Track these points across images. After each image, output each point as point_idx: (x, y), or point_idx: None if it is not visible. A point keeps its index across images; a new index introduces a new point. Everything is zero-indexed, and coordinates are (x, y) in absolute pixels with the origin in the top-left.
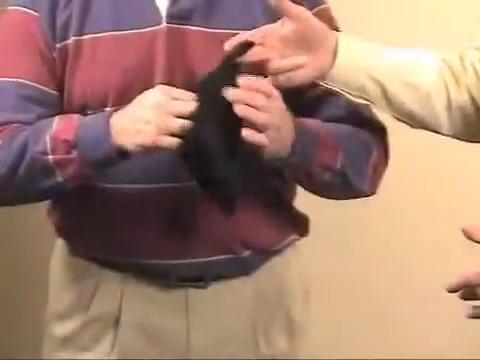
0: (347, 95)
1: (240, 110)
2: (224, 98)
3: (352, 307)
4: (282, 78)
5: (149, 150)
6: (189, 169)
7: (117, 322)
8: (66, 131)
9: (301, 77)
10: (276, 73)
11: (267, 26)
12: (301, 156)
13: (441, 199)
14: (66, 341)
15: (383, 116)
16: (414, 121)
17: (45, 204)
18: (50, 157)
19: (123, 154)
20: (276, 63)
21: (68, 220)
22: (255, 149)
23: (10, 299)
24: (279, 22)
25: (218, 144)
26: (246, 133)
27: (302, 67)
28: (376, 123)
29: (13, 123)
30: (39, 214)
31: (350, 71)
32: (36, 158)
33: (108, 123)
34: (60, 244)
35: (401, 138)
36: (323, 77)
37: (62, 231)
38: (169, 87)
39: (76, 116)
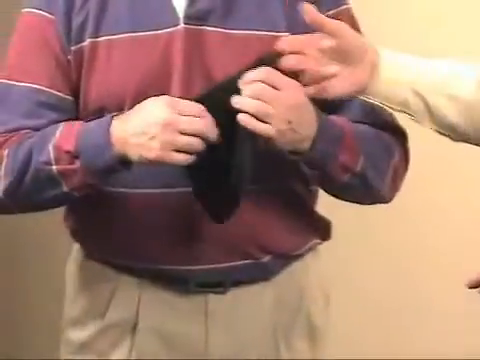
0: (388, 109)
1: (237, 103)
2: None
3: (371, 311)
4: (315, 89)
5: (153, 164)
6: (188, 177)
7: (134, 328)
8: (67, 141)
9: (337, 90)
10: (309, 83)
11: (308, 36)
12: (321, 153)
13: (460, 204)
14: (83, 346)
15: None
16: (456, 134)
17: (61, 209)
18: (54, 167)
19: (126, 162)
20: (309, 70)
21: (84, 225)
22: (264, 142)
23: (26, 303)
24: (320, 34)
25: (222, 159)
26: (242, 118)
27: (336, 77)
28: (397, 127)
29: (23, 129)
30: (55, 218)
31: (393, 85)
32: (40, 168)
33: (108, 131)
34: (76, 249)
35: (420, 144)
36: (362, 91)
37: (78, 236)
38: (175, 100)
39: (78, 124)
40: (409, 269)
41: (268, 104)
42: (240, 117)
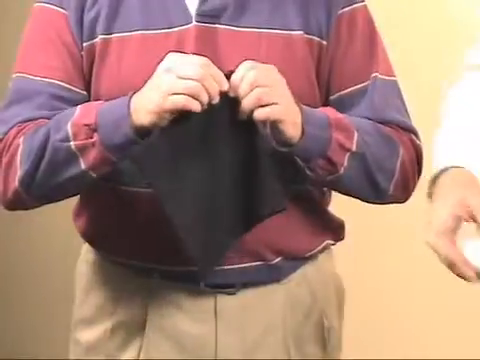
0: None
1: (244, 107)
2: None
3: (385, 312)
4: None
5: (161, 117)
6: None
7: (144, 328)
8: (87, 116)
9: None
10: None
11: None
12: (314, 137)
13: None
14: (92, 347)
15: None
16: None
17: (71, 208)
18: (72, 143)
19: (144, 135)
20: None
21: (94, 224)
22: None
23: (26, 303)
24: None
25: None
26: (257, 115)
27: None
28: (405, 125)
29: (38, 119)
30: (66, 218)
31: None
32: (58, 147)
33: (129, 103)
34: (86, 249)
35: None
36: None
37: (88, 235)
38: (179, 53)
39: (99, 102)
40: (422, 270)
41: (267, 87)
42: (256, 114)
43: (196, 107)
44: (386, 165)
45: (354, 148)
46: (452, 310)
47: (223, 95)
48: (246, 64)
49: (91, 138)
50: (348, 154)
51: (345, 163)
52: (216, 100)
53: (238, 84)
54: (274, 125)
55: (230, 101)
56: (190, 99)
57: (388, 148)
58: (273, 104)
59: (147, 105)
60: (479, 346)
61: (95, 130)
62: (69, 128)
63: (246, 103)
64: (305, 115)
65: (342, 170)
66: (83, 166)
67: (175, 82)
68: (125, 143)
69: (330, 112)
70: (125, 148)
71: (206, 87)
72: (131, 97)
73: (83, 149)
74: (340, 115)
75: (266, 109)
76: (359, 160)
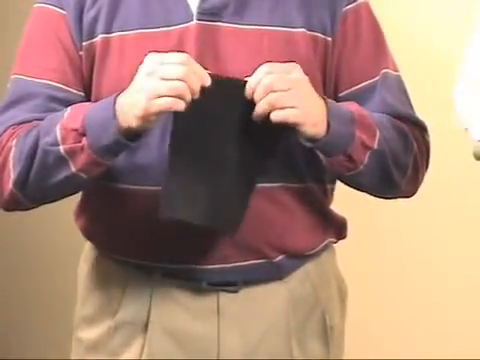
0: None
1: (259, 110)
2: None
3: (386, 311)
4: None
5: (147, 121)
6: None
7: (146, 327)
8: (74, 120)
9: None
10: None
11: None
12: (339, 134)
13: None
14: (95, 345)
15: None
16: None
17: (73, 206)
18: (61, 147)
19: (132, 136)
20: None
21: (95, 223)
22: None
23: (26, 303)
24: None
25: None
26: (273, 118)
27: None
28: (417, 120)
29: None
30: (67, 217)
31: None
32: (47, 150)
33: (113, 106)
34: (88, 248)
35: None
36: None
37: (89, 234)
38: (160, 53)
39: (86, 104)
40: (424, 269)
41: (283, 91)
42: (272, 117)
43: (181, 107)
44: (402, 161)
45: (376, 146)
46: (452, 310)
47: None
48: (264, 68)
49: (79, 142)
50: (369, 152)
51: (365, 161)
52: (197, 96)
53: (254, 88)
54: (293, 126)
55: (248, 104)
56: (176, 100)
57: (403, 144)
58: (290, 107)
59: (133, 110)
60: (479, 346)
61: (83, 134)
62: (58, 132)
63: (258, 108)
64: (331, 111)
65: (361, 167)
66: (73, 169)
67: (159, 85)
68: (113, 145)
69: (355, 108)
70: (113, 150)
71: (189, 84)
72: (115, 99)
73: (72, 153)
74: (364, 112)
75: (282, 112)
76: (379, 158)
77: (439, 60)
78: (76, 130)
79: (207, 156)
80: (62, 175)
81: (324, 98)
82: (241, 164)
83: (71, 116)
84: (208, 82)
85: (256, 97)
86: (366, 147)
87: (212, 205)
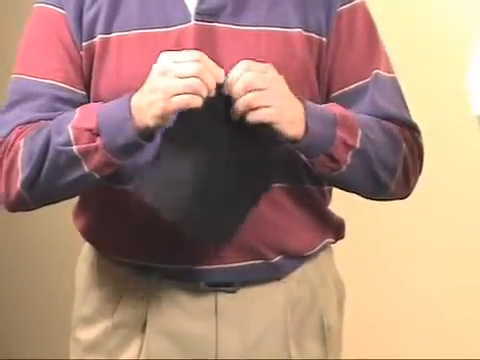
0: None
1: (237, 108)
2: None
3: (385, 311)
4: None
5: (165, 119)
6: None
7: (144, 327)
8: (87, 120)
9: None
10: None
11: None
12: (319, 135)
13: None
14: (93, 346)
15: None
16: None
17: (71, 207)
18: (74, 147)
19: (148, 135)
20: None
21: (93, 223)
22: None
23: (26, 303)
24: None
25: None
26: (250, 118)
27: None
28: (409, 121)
29: (39, 121)
30: (65, 217)
31: None
32: (60, 150)
33: (128, 106)
34: (86, 248)
35: (435, 146)
36: None
37: (88, 234)
38: (173, 52)
39: (97, 104)
40: (422, 269)
41: (261, 90)
42: (248, 117)
43: (198, 103)
44: (389, 162)
45: (358, 145)
46: (452, 310)
47: (219, 90)
48: (242, 64)
49: (93, 142)
50: (351, 151)
51: (348, 160)
52: (213, 93)
53: (234, 84)
54: (271, 126)
55: (226, 99)
56: (194, 96)
57: (391, 145)
58: (266, 107)
59: (152, 109)
60: (477, 346)
61: (97, 134)
62: (70, 131)
63: (237, 107)
64: (309, 112)
65: (344, 167)
66: (86, 169)
67: (175, 83)
68: (128, 146)
69: (337, 109)
70: (128, 150)
71: (205, 81)
72: (130, 99)
73: (86, 153)
74: (347, 112)
75: (258, 112)
76: (362, 157)
77: (453, 44)
78: (90, 130)
79: (197, 158)
80: (74, 175)
81: (301, 99)
82: (238, 170)
83: (83, 116)
84: (222, 78)
85: (235, 94)
86: (348, 146)
87: (205, 220)
